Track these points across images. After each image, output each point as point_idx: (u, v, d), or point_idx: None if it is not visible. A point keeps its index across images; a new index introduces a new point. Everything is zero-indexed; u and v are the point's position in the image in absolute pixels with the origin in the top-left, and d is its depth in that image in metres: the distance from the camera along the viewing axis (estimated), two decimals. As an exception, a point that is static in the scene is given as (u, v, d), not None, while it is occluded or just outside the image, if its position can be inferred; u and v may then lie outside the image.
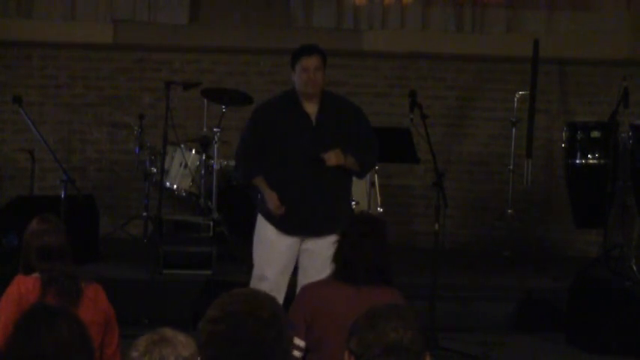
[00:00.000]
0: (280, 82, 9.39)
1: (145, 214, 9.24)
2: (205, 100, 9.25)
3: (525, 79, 9.61)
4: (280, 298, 5.95)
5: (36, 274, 4.70)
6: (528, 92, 9.43)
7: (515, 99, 9.50)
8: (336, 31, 10.14)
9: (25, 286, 4.67)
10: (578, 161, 8.56)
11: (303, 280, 6.22)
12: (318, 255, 6.18)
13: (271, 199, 6.21)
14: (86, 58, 10.09)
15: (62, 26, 9.99)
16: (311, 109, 6.27)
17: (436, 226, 7.08)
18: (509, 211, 9.41)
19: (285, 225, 6.26)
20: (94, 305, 4.75)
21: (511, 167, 9.42)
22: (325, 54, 6.40)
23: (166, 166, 8.79)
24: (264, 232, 6.34)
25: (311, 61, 6.25)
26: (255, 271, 6.39)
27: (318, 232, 6.23)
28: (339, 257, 4.61)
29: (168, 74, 9.78)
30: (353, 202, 8.46)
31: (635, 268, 8.06)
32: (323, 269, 6.12)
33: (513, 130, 9.44)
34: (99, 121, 10.09)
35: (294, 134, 6.23)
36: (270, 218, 6.30)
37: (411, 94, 7.31)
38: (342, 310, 4.39)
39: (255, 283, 6.31)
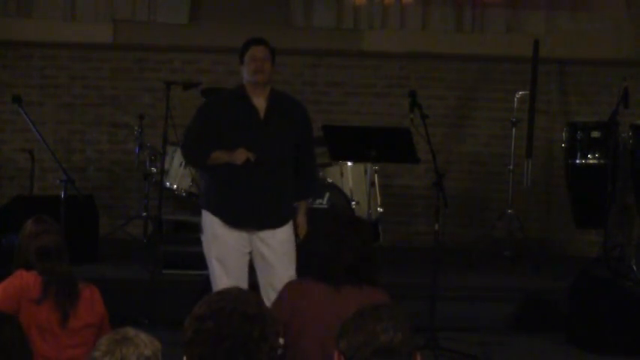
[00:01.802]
0: (280, 82, 9.39)
1: (144, 214, 9.24)
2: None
3: (525, 79, 9.61)
4: None
5: (35, 271, 4.71)
6: (528, 92, 9.44)
7: (515, 99, 9.49)
8: (336, 31, 10.14)
9: (27, 281, 4.68)
10: (578, 161, 8.56)
11: (266, 280, 6.20)
12: (271, 254, 6.18)
13: (237, 152, 6.13)
14: (86, 58, 10.09)
15: (62, 26, 9.99)
16: (259, 103, 6.26)
17: (436, 226, 7.08)
18: (509, 211, 9.41)
19: (231, 218, 6.20)
20: (90, 307, 4.75)
21: (511, 167, 9.42)
22: (274, 49, 6.38)
23: (166, 166, 8.78)
24: (212, 228, 6.26)
25: (259, 51, 6.29)
26: (212, 270, 6.30)
27: (263, 225, 6.19)
28: (318, 257, 4.59)
29: (168, 74, 9.79)
30: (353, 202, 8.49)
31: (635, 268, 8.06)
32: (280, 265, 6.15)
33: (513, 130, 9.44)
34: (99, 121, 10.09)
35: (241, 128, 6.21)
36: (218, 212, 6.23)
37: (411, 94, 7.30)
38: (321, 310, 4.39)
39: (212, 283, 6.26)
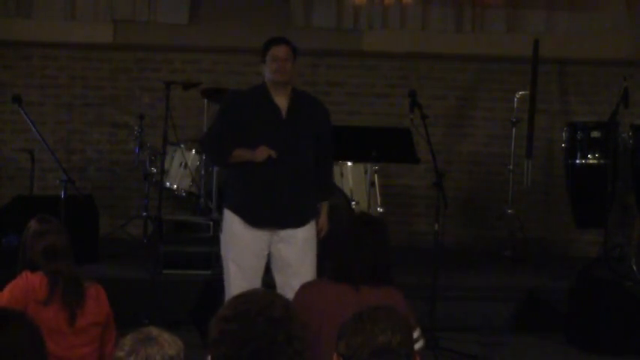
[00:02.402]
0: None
1: (144, 214, 9.24)
2: (205, 100, 9.25)
3: (525, 79, 9.62)
4: None
5: (40, 272, 4.71)
6: (528, 92, 9.44)
7: (515, 99, 9.50)
8: (336, 31, 10.15)
9: (32, 282, 4.68)
10: (578, 161, 8.56)
11: (283, 280, 6.20)
12: (291, 254, 6.18)
13: (259, 150, 6.13)
14: (86, 58, 10.10)
15: (62, 26, 9.99)
16: (282, 102, 6.26)
17: (436, 226, 7.08)
18: (509, 211, 9.41)
19: (253, 217, 6.19)
20: (96, 305, 4.76)
21: (511, 167, 9.42)
22: (295, 48, 6.40)
23: (166, 166, 8.78)
24: (232, 227, 6.25)
25: (280, 50, 6.24)
26: (228, 270, 6.28)
27: (285, 224, 6.19)
28: (337, 257, 4.60)
29: (168, 74, 9.79)
30: (353, 202, 8.49)
31: (635, 268, 8.07)
32: (301, 266, 6.14)
33: (513, 130, 9.44)
34: (99, 121, 10.09)
35: (263, 126, 6.20)
36: (238, 211, 6.23)
37: (411, 94, 7.30)
38: (340, 311, 4.38)
39: (226, 283, 6.26)
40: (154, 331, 2.86)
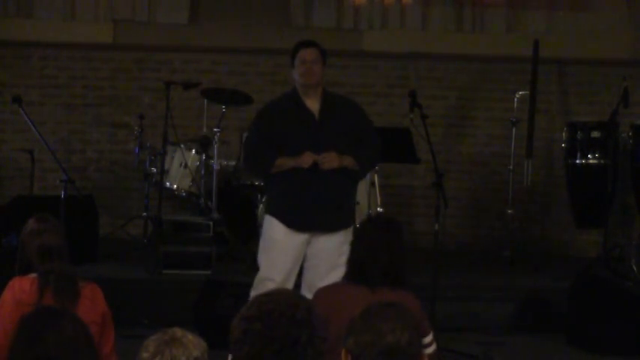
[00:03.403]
0: (280, 82, 9.40)
1: (144, 214, 9.24)
2: (205, 100, 9.25)
3: (525, 79, 9.61)
4: None
5: (33, 275, 4.69)
6: (528, 92, 9.43)
7: (515, 99, 9.49)
8: (336, 31, 10.14)
9: (21, 288, 4.65)
10: (578, 161, 8.56)
11: (310, 279, 6.23)
12: (326, 255, 6.21)
13: (304, 156, 6.16)
14: (86, 58, 10.09)
15: (62, 26, 9.99)
16: (313, 105, 6.30)
17: (436, 226, 7.08)
18: (509, 211, 9.41)
19: (292, 221, 6.25)
20: (92, 305, 4.74)
21: (511, 167, 9.42)
22: (324, 50, 6.42)
23: (166, 166, 8.78)
24: (272, 232, 6.32)
25: (308, 53, 6.31)
26: (261, 273, 6.35)
27: (325, 227, 6.24)
28: (354, 259, 4.60)
29: (168, 74, 9.78)
30: (353, 202, 8.49)
31: (635, 268, 8.06)
32: (331, 269, 6.14)
33: (513, 130, 9.44)
34: (99, 121, 10.09)
35: (297, 131, 6.25)
36: (281, 216, 6.28)
37: (411, 94, 7.30)
38: (356, 312, 4.39)
39: (259, 285, 6.28)
40: (178, 332, 2.86)
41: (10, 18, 9.93)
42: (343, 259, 6.16)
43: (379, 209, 8.63)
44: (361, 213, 8.42)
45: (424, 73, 10.22)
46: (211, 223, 8.60)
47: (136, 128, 9.18)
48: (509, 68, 10.18)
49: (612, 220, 8.50)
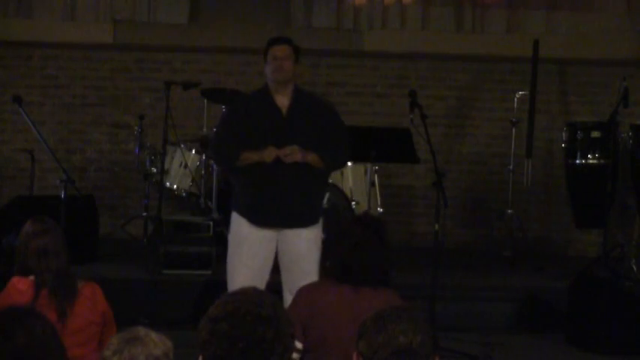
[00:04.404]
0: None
1: (145, 214, 9.24)
2: (205, 100, 9.25)
3: (525, 79, 9.62)
4: None
5: (32, 277, 4.70)
6: (528, 92, 9.44)
7: (515, 99, 9.50)
8: (336, 31, 10.14)
9: (19, 289, 4.66)
10: (578, 161, 8.55)
11: (288, 280, 6.22)
12: (297, 255, 6.20)
13: (267, 151, 6.15)
14: (86, 58, 10.09)
15: (62, 26, 9.99)
16: (282, 102, 6.30)
17: (436, 226, 7.08)
18: (509, 211, 9.41)
19: (258, 217, 6.22)
20: (91, 305, 4.74)
21: (511, 167, 9.42)
22: (296, 46, 6.41)
23: (166, 166, 8.78)
24: (238, 229, 6.29)
25: (280, 50, 6.31)
26: (229, 271, 6.31)
27: (288, 223, 6.21)
28: (337, 258, 4.59)
29: (168, 74, 9.78)
30: (353, 202, 8.49)
31: (635, 268, 8.06)
32: (306, 267, 6.14)
33: (513, 130, 9.44)
34: (99, 121, 10.09)
35: (264, 126, 6.25)
36: (245, 212, 6.25)
37: (411, 94, 7.30)
38: (341, 311, 4.39)
39: (231, 284, 6.25)
40: (141, 330, 2.86)
41: (10, 18, 9.93)
42: (316, 254, 6.20)
43: (379, 209, 8.63)
44: (361, 213, 8.43)
45: (424, 73, 10.23)
46: (211, 223, 8.60)
47: (136, 128, 9.18)
48: (509, 68, 10.18)
49: (612, 220, 8.50)
